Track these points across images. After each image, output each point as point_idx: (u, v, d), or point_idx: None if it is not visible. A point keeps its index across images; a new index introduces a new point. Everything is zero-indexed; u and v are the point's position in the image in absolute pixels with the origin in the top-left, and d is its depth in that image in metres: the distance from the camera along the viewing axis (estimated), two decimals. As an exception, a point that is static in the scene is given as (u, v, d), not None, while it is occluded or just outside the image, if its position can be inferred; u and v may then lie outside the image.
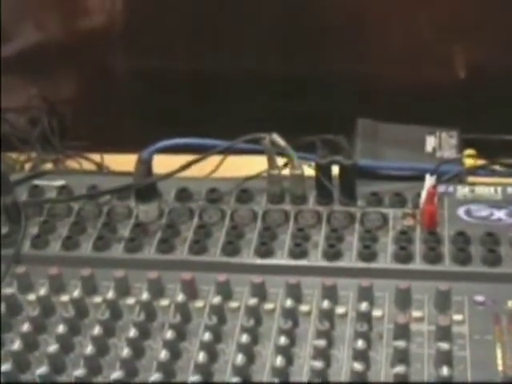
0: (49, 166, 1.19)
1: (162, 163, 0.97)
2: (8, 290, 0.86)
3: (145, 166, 0.95)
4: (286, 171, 0.97)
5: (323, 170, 0.95)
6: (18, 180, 1.03)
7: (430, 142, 1.09)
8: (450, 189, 0.96)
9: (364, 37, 1.18)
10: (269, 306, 0.84)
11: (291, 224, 0.93)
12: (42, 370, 0.77)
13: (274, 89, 1.22)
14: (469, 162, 1.04)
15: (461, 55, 1.18)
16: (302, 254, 0.89)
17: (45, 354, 0.79)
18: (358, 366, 0.75)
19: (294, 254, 0.89)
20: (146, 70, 1.25)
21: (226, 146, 0.96)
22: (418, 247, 0.88)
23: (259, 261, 0.89)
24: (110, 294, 0.84)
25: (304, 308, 0.83)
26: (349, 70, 1.20)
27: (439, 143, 1.09)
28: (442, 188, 0.95)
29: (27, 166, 1.20)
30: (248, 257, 0.90)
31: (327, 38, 1.19)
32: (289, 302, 0.82)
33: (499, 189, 0.96)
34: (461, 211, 0.93)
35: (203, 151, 0.96)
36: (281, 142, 0.95)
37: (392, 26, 1.16)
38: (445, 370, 0.74)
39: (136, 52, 1.25)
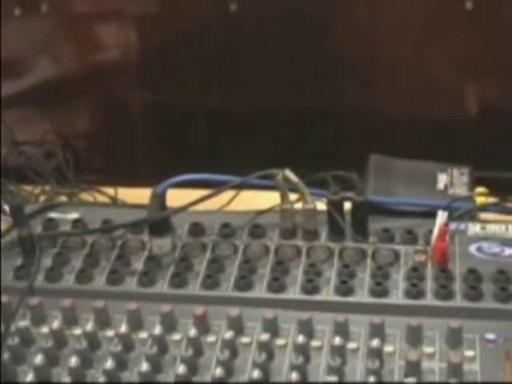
0: (63, 198, 1.20)
1: (176, 196, 0.98)
2: (21, 323, 0.87)
3: (159, 200, 0.96)
4: (299, 206, 0.98)
5: (335, 206, 0.96)
6: (33, 212, 1.04)
7: (442, 179, 1.10)
8: (462, 226, 0.96)
9: (377, 74, 1.20)
10: (280, 341, 0.84)
11: (303, 259, 0.94)
12: (55, 402, 0.78)
13: (286, 125, 1.23)
14: (480, 199, 1.05)
15: (473, 93, 1.19)
16: (314, 290, 0.89)
17: (57, 386, 0.80)
18: (369, 403, 0.75)
19: (305, 290, 0.89)
20: (159, 104, 1.27)
21: (239, 182, 0.97)
22: (429, 284, 0.88)
23: (271, 296, 0.89)
24: (123, 327, 0.85)
25: (316, 344, 0.83)
26: (361, 107, 1.21)
27: (451, 180, 1.10)
28: (453, 225, 0.95)
29: (41, 198, 1.21)
30: (260, 292, 0.90)
31: (340, 75, 1.20)
32: (300, 338, 0.82)
33: (510, 226, 0.96)
34: (472, 248, 0.93)
35: (216, 186, 0.97)
36: (293, 178, 0.95)
37: (405, 64, 1.18)
38: (456, 408, 0.74)
39: (150, 87, 1.27)
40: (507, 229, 0.96)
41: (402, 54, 1.17)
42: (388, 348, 0.82)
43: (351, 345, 0.82)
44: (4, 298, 0.89)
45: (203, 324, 0.86)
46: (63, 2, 1.21)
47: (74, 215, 1.04)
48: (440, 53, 1.15)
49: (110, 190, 1.20)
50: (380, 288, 0.88)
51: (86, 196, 1.21)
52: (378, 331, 0.83)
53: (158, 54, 1.25)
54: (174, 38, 1.23)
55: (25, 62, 1.28)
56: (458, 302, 0.86)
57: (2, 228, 1.07)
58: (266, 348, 0.82)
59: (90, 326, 0.85)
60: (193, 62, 1.23)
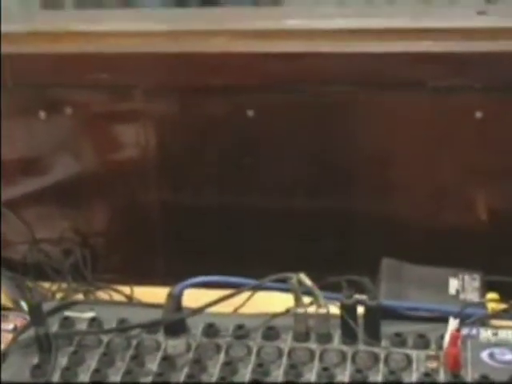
0: (80, 296, 1.22)
1: (191, 296, 1.00)
2: (37, 422, 0.88)
3: (175, 301, 0.98)
4: (312, 309, 0.99)
5: (348, 310, 0.97)
6: (50, 310, 1.06)
7: (454, 284, 1.11)
8: (474, 332, 0.97)
9: (390, 179, 1.22)
10: None
11: (316, 363, 0.95)
12: None
13: (299, 227, 1.26)
14: (492, 305, 1.06)
15: (483, 199, 1.21)
16: (327, 394, 0.90)
17: None
18: None
19: (319, 394, 0.90)
20: (177, 204, 1.30)
21: (254, 285, 0.99)
22: (441, 390, 0.89)
23: (284, 399, 0.90)
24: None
25: None
26: (373, 211, 1.23)
27: (462, 285, 1.11)
28: (465, 330, 0.96)
29: (58, 295, 1.23)
30: (274, 395, 0.91)
31: (352, 179, 1.23)
32: None
33: (522, 332, 0.97)
34: (484, 355, 0.94)
35: (232, 287, 0.99)
36: (307, 281, 0.97)
37: (417, 170, 1.20)
38: None
39: (168, 187, 1.29)
40: (519, 335, 0.97)
41: (415, 160, 1.20)
42: None
43: None
44: (20, 397, 0.91)
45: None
46: (87, 105, 1.25)
47: (90, 314, 1.06)
48: (451, 160, 1.18)
49: (127, 289, 1.22)
50: (393, 393, 0.88)
51: (103, 294, 1.22)
52: None
53: (177, 154, 1.28)
54: (192, 140, 1.26)
55: (46, 160, 1.31)
56: (471, 408, 0.87)
57: (19, 325, 1.09)
58: None
59: (104, 427, 0.86)
60: (210, 163, 1.26)
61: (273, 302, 1.04)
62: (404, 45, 1.14)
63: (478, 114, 1.14)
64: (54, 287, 1.24)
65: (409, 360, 0.94)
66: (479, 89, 1.12)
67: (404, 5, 2.53)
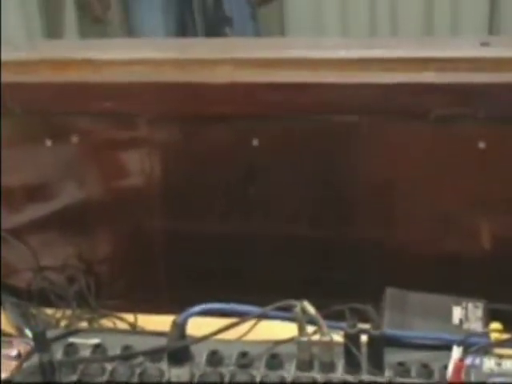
0: (84, 323, 1.22)
1: (195, 324, 1.00)
2: None
3: (179, 329, 0.98)
4: (316, 337, 1.00)
5: (352, 339, 0.97)
6: (54, 337, 1.06)
7: (457, 313, 1.12)
8: (477, 361, 0.97)
9: (391, 207, 1.23)
10: None
11: (320, 392, 0.95)
12: None
13: (303, 256, 1.26)
14: (495, 334, 1.06)
15: (486, 228, 1.21)
16: (331, 424, 0.90)
17: None
18: None
19: (322, 424, 0.90)
20: (181, 232, 1.30)
21: (258, 313, 0.99)
22: (445, 420, 0.89)
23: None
24: None
25: None
26: (376, 239, 1.24)
27: (466, 314, 1.11)
28: (468, 360, 0.96)
29: (62, 322, 1.24)
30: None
31: (355, 208, 1.24)
32: None
33: (526, 362, 0.97)
34: (488, 384, 0.94)
35: (236, 315, 0.99)
36: (311, 310, 0.98)
37: (420, 199, 1.21)
38: None
39: (172, 214, 1.30)
40: (523, 364, 0.97)
41: (418, 189, 1.20)
42: None
43: None
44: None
45: None
46: (92, 133, 1.25)
47: (94, 340, 1.06)
48: (454, 189, 1.19)
49: (131, 316, 1.22)
50: (396, 423, 0.89)
51: (107, 322, 1.23)
52: None
53: (181, 182, 1.28)
54: (196, 168, 1.27)
55: (51, 188, 1.32)
56: None
57: (23, 351, 1.10)
58: None
59: None
60: (215, 191, 1.27)
61: (276, 329, 1.04)
62: (407, 75, 1.15)
63: (481, 145, 1.14)
64: (58, 314, 1.25)
65: (412, 389, 0.94)
66: (482, 119, 1.12)
67: (407, 35, 2.56)
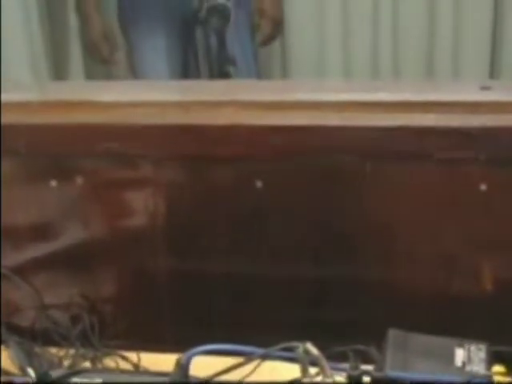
0: (87, 363, 1.22)
1: (198, 363, 1.01)
2: None
3: (182, 370, 0.99)
4: (318, 379, 1.00)
5: (355, 381, 0.98)
6: (58, 378, 1.07)
7: (460, 355, 1.11)
8: (479, 403, 0.98)
9: (394, 248, 1.23)
10: None
11: (323, 434, 0.95)
12: None
13: (306, 295, 1.27)
14: (498, 378, 1.06)
15: (488, 270, 1.22)
16: None
17: None
18: None
19: None
20: (185, 271, 1.31)
21: (261, 354, 1.00)
22: None
23: None
24: None
25: None
26: (379, 279, 1.24)
27: (468, 356, 1.11)
28: (471, 402, 0.97)
29: (65, 361, 1.24)
30: None
31: (358, 248, 1.25)
32: None
33: (528, 404, 0.98)
34: (490, 427, 0.94)
35: (239, 355, 1.00)
36: (314, 351, 0.98)
37: (421, 240, 1.22)
38: None
39: (176, 254, 1.31)
40: (524, 407, 0.97)
41: (420, 230, 1.21)
42: None
43: None
44: None
45: None
46: (97, 174, 1.27)
47: (97, 380, 1.07)
48: (456, 230, 1.20)
49: (134, 355, 1.22)
50: None
51: (110, 361, 1.23)
52: None
53: (185, 222, 1.29)
54: (200, 209, 1.28)
55: (55, 227, 1.33)
56: None
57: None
58: None
59: None
60: (218, 231, 1.28)
61: (279, 370, 1.04)
62: (409, 118, 1.17)
63: (483, 187, 1.15)
64: (62, 353, 1.25)
65: (414, 433, 0.94)
66: (484, 162, 1.14)
67: (408, 76, 2.59)
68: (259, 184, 1.21)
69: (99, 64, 2.55)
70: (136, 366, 1.21)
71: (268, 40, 2.69)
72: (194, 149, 1.23)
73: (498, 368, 1.09)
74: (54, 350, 1.26)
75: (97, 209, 1.31)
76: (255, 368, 1.03)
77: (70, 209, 1.31)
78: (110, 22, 2.46)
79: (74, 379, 1.07)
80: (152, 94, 1.29)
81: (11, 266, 1.32)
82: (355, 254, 1.25)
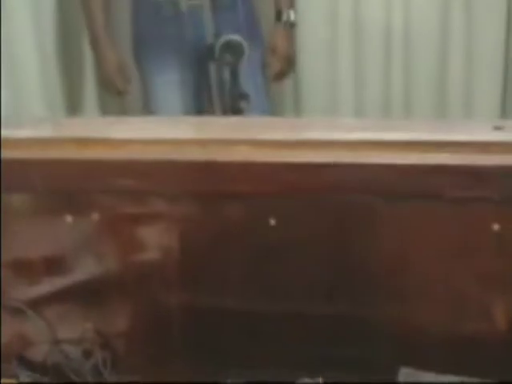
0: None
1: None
2: None
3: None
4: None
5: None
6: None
7: (471, 396, 1.12)
8: None
9: (406, 286, 1.24)
10: None
11: None
12: None
13: (318, 332, 1.26)
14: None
15: (501, 308, 1.22)
16: None
17: None
18: None
19: None
20: (198, 307, 1.31)
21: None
22: None
23: None
24: None
25: None
26: (390, 317, 1.24)
27: (480, 396, 1.12)
28: None
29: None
30: None
31: (369, 286, 1.25)
32: None
33: None
34: None
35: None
36: (326, 389, 0.98)
37: (434, 280, 1.22)
38: None
39: (189, 289, 1.31)
40: None
41: (432, 269, 1.22)
42: None
43: None
44: None
45: None
46: (112, 209, 1.28)
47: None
48: (469, 269, 1.20)
49: (145, 391, 1.23)
50: None
51: (122, 396, 1.23)
52: None
53: (198, 258, 1.30)
54: (214, 243, 1.28)
55: (69, 262, 1.33)
56: None
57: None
58: None
59: None
60: (232, 267, 1.28)
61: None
62: (421, 157, 1.17)
63: (495, 226, 1.16)
64: (75, 388, 1.26)
65: None
66: (496, 201, 1.14)
67: (420, 115, 2.59)
68: (272, 222, 1.22)
69: (114, 97, 2.56)
70: (148, 403, 1.21)
71: (280, 76, 2.70)
72: (208, 185, 1.24)
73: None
74: (66, 385, 1.26)
75: (111, 244, 1.32)
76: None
77: (84, 244, 1.32)
78: (124, 55, 2.48)
79: (86, 414, 1.08)
80: (165, 131, 1.31)
81: (25, 299, 1.33)
82: (367, 291, 1.25)
